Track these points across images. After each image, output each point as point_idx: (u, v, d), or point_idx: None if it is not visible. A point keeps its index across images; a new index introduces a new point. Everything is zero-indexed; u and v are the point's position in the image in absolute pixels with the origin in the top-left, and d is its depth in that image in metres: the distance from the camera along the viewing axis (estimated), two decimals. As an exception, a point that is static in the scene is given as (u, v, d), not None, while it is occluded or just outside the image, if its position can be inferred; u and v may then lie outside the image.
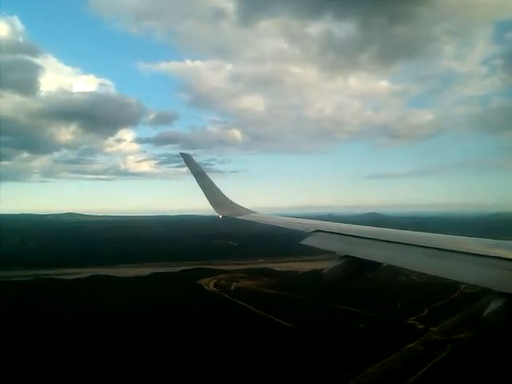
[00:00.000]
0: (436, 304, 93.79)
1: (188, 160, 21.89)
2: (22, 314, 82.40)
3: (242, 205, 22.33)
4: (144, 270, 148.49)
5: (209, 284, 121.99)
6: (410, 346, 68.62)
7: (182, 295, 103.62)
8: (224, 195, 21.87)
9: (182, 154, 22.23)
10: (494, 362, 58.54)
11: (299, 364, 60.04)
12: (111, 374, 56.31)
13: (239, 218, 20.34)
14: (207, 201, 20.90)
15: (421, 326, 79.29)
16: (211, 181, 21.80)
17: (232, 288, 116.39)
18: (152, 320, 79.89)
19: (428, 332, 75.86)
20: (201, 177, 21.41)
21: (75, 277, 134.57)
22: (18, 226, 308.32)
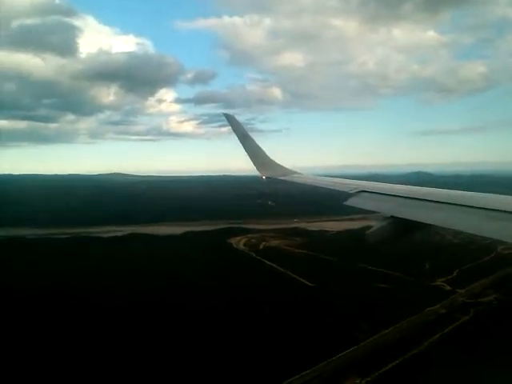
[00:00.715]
0: (468, 265, 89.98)
1: (232, 121, 21.74)
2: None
3: (284, 164, 22.17)
4: (180, 229, 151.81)
5: (239, 243, 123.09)
6: (432, 308, 66.42)
7: (209, 253, 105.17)
8: (268, 156, 21.77)
9: (225, 114, 22.01)
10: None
11: (308, 323, 59.83)
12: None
13: (282, 178, 20.23)
14: (250, 161, 20.83)
15: (448, 288, 76.65)
16: (255, 142, 21.67)
17: (260, 247, 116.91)
18: (168, 275, 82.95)
19: (454, 294, 73.17)
20: (244, 138, 21.29)
21: (113, 235, 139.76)
22: (66, 185, 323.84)
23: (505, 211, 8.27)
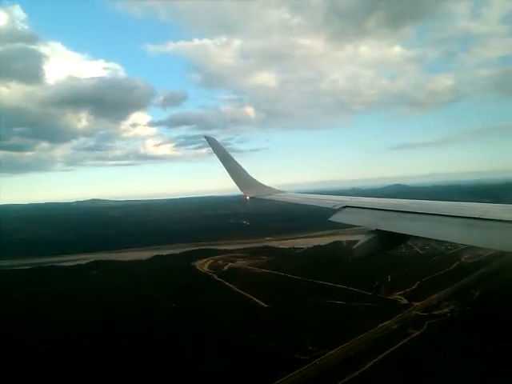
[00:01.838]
0: (429, 277, 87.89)
1: (213, 143, 21.64)
2: None
3: (266, 182, 22.47)
4: (149, 253, 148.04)
5: (204, 265, 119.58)
6: (384, 323, 63.90)
7: (169, 277, 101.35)
8: (250, 176, 21.86)
9: (206, 137, 21.87)
10: (469, 340, 53.82)
11: (252, 347, 56.88)
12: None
13: (266, 198, 20.31)
14: (229, 182, 20.99)
15: (404, 302, 74.23)
16: (237, 163, 21.70)
17: (224, 268, 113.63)
18: (111, 303, 79.16)
19: (410, 308, 70.80)
20: (226, 160, 21.25)
21: (76, 263, 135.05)
22: (40, 214, 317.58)
23: (486, 219, 8.40)
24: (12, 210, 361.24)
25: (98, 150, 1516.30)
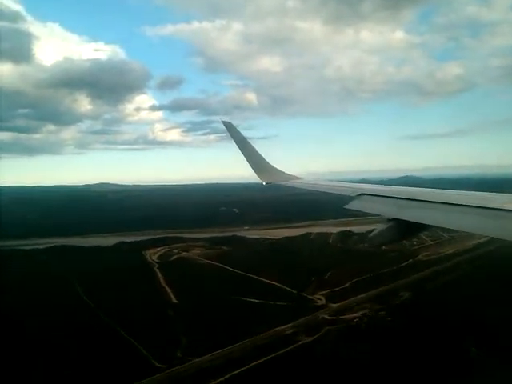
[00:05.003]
0: (370, 275, 79.94)
1: (230, 128, 21.62)
2: None
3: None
4: (114, 239, 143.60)
5: (155, 254, 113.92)
6: (281, 327, 56.92)
7: (105, 266, 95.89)
8: (267, 162, 21.76)
9: (223, 122, 21.73)
10: (352, 351, 46.70)
11: (115, 348, 51.25)
12: None
13: (283, 184, 20.23)
14: (242, 169, 21.36)
15: (321, 302, 67.03)
16: (254, 148, 21.74)
17: (172, 258, 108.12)
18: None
19: (322, 309, 63.54)
20: (243, 144, 21.26)
21: (35, 247, 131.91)
22: (40, 197, 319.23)
23: (505, 210, 8.04)
24: (15, 191, 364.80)
25: (107, 134, 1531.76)
